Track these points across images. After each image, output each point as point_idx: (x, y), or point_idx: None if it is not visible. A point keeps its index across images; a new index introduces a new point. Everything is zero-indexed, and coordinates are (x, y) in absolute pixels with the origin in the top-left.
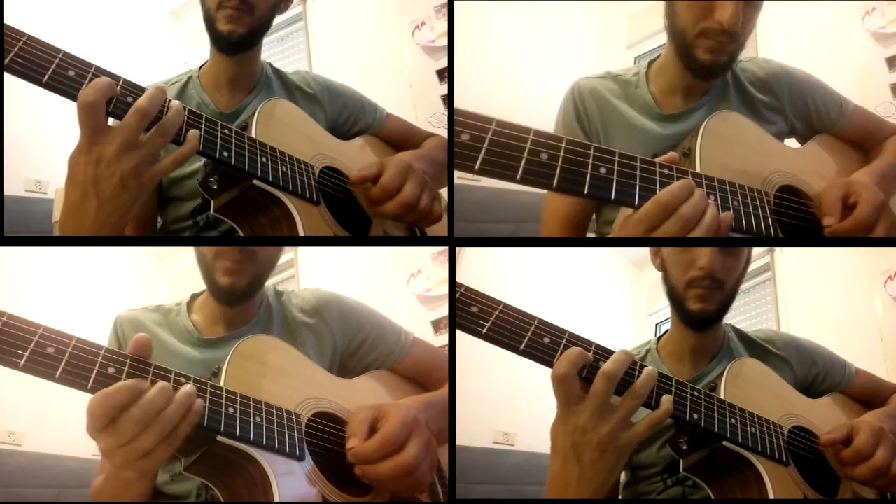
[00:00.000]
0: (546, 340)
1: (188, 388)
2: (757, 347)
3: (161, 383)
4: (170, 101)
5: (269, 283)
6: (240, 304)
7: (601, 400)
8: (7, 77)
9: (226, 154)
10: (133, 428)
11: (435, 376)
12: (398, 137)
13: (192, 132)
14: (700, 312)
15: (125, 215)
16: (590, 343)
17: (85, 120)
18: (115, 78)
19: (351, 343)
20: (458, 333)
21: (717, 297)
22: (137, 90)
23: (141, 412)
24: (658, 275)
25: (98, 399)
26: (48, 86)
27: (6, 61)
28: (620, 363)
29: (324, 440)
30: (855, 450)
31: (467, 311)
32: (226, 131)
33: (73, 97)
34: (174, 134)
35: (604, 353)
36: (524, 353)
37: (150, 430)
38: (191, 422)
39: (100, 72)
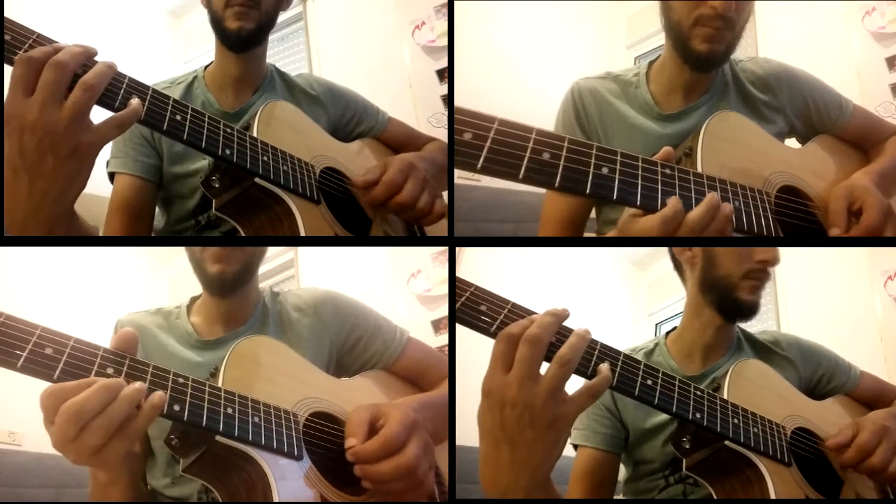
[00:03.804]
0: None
1: (138, 383)
2: (762, 348)
3: (103, 381)
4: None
5: (267, 283)
6: (233, 292)
7: (527, 367)
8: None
9: (227, 152)
10: (68, 426)
11: (430, 376)
12: (399, 141)
13: (134, 100)
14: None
15: (65, 190)
16: (595, 343)
17: (17, 76)
18: (121, 76)
19: (347, 340)
20: (458, 334)
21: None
22: (142, 88)
23: (73, 410)
24: (658, 275)
25: (45, 393)
26: None
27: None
28: (546, 327)
29: (321, 440)
30: (857, 446)
31: (476, 310)
32: (227, 130)
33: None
34: (100, 90)
35: (608, 353)
36: None
37: (92, 426)
38: (147, 416)
39: None
